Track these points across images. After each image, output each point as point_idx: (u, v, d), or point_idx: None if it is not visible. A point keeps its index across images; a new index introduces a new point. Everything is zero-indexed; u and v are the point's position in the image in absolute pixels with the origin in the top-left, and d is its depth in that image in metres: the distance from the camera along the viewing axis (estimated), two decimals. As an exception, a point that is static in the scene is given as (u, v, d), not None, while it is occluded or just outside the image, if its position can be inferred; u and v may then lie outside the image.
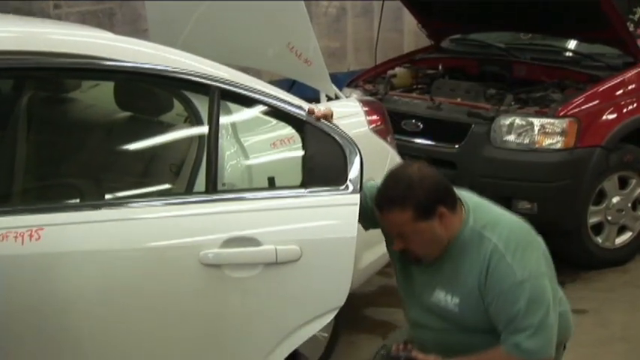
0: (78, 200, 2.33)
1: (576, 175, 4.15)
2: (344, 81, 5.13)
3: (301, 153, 2.41)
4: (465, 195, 2.26)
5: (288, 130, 2.70)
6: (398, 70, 5.14)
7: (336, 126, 2.44)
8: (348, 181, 2.34)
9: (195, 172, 2.34)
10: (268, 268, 2.19)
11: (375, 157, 3.35)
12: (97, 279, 2.12)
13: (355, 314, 3.83)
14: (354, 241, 2.26)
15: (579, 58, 4.80)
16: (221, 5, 3.62)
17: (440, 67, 5.11)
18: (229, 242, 2.17)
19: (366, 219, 2.35)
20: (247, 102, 2.47)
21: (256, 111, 2.52)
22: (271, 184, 2.40)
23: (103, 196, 2.50)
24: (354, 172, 2.35)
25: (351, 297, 3.43)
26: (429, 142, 4.47)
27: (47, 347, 2.14)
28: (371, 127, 3.30)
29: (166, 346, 2.23)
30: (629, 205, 4.42)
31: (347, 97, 3.70)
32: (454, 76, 4.97)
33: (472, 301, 2.14)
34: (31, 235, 2.01)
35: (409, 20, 6.00)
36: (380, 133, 3.35)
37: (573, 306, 3.74)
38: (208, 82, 2.36)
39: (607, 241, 4.42)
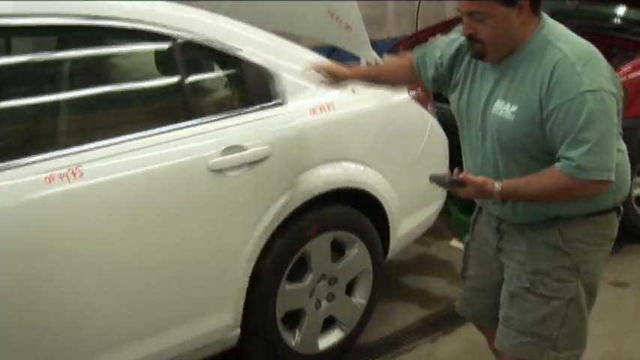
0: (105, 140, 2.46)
1: (621, 145, 4.06)
2: (384, 48, 5.08)
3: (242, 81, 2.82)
4: (544, 13, 2.14)
5: (328, 97, 2.90)
6: (439, 37, 5.07)
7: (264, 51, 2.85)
8: (276, 96, 2.81)
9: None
10: (251, 166, 2.66)
11: (415, 125, 3.35)
12: (136, 197, 2.44)
13: (392, 282, 3.84)
14: (294, 135, 2.80)
15: (628, 25, 4.65)
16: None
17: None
18: (226, 150, 2.61)
19: (427, 77, 2.44)
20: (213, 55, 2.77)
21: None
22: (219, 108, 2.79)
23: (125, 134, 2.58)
24: (279, 88, 2.82)
25: (389, 264, 3.47)
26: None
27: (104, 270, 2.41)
28: (411, 94, 3.29)
29: (194, 231, 2.61)
30: (676, 178, 4.31)
31: (387, 64, 3.65)
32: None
33: (530, 111, 2.04)
34: (74, 173, 2.28)
35: (452, -14, 5.92)
36: (420, 100, 3.34)
37: (615, 278, 3.70)
38: (169, 32, 2.60)
39: (651, 214, 4.32)
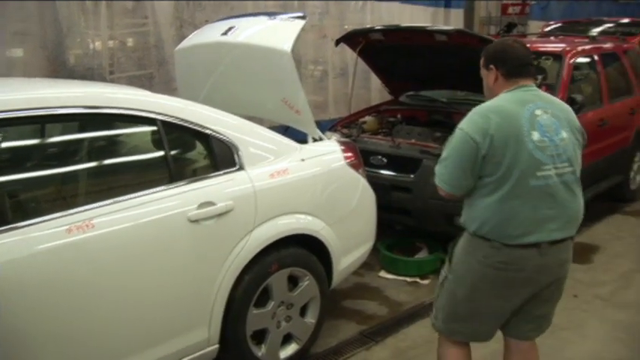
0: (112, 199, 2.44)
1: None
2: (326, 126, 5.13)
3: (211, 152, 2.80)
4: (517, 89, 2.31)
5: (283, 165, 2.91)
6: (367, 118, 5.16)
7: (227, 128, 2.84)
8: (237, 163, 2.82)
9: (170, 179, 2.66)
10: (220, 217, 2.67)
11: (349, 185, 3.37)
12: (134, 242, 2.43)
13: (336, 305, 3.81)
14: (252, 193, 2.79)
15: (450, 103, 4.95)
16: (233, 69, 3.64)
17: (399, 115, 5.14)
18: (201, 205, 2.61)
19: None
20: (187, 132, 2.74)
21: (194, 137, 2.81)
22: (194, 173, 2.77)
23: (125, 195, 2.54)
24: (240, 157, 2.83)
25: (333, 292, 3.45)
26: (391, 173, 4.46)
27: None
28: (346, 161, 3.33)
29: (181, 267, 2.60)
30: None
31: (328, 138, 3.70)
32: (410, 123, 4.99)
33: None
34: (87, 225, 2.30)
35: (375, 80, 6.04)
36: (353, 166, 3.37)
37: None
38: (155, 116, 2.61)
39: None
